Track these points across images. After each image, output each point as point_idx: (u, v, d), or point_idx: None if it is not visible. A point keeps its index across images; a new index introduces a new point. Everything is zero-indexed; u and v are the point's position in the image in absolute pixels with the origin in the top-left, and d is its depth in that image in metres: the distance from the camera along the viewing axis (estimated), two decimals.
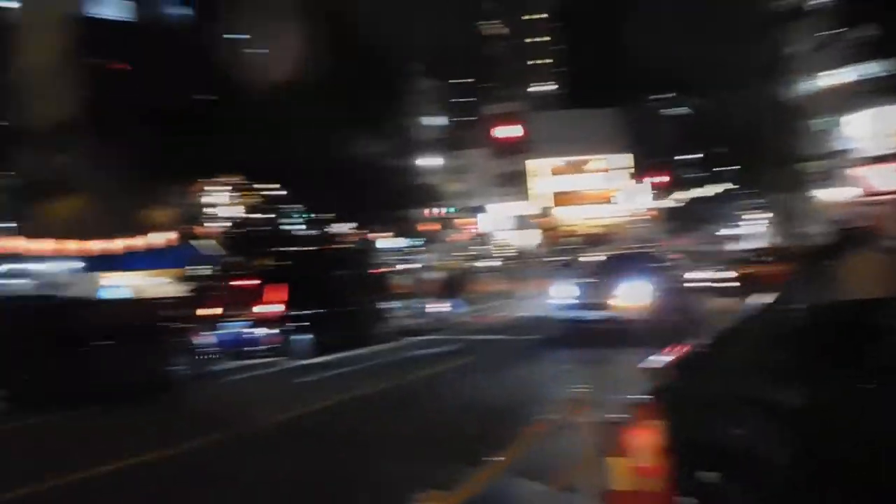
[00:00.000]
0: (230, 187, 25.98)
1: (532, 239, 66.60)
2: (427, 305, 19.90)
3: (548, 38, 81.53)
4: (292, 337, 12.50)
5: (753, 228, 62.94)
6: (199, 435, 6.87)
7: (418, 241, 35.77)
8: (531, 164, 70.64)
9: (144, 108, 26.52)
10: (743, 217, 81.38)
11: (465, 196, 72.51)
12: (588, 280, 13.50)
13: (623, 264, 14.04)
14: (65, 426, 8.08)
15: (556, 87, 74.13)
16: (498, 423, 6.75)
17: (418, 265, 33.27)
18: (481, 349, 13.12)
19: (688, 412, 3.94)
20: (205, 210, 27.66)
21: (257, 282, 13.55)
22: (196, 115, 25.17)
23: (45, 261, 31.84)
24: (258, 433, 7.12)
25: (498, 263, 39.05)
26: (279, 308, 12.44)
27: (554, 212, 72.36)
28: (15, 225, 36.64)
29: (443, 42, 71.36)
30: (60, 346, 8.82)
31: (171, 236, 28.70)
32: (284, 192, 25.85)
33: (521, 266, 33.50)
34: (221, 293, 13.79)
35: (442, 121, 70.51)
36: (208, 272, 23.30)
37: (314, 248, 22.76)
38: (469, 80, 74.26)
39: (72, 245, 30.14)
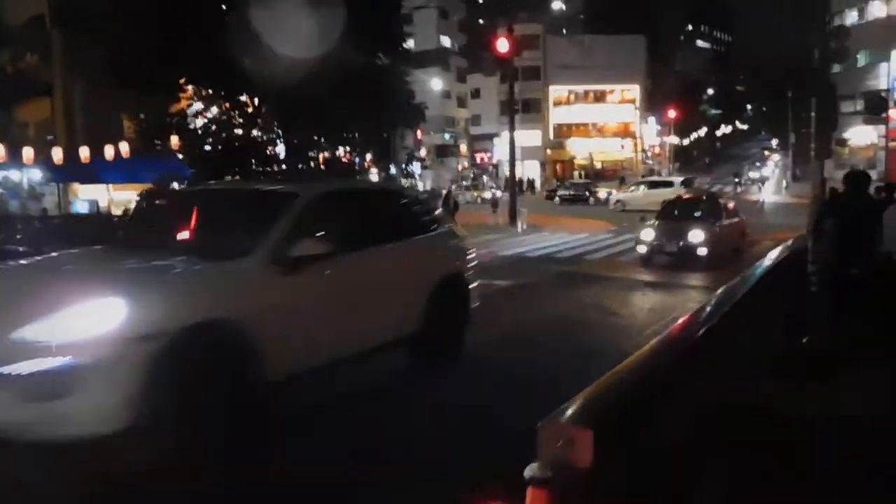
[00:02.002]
0: (203, 97, 23.89)
1: (536, 171, 64.33)
2: None
3: None
4: None
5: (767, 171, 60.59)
6: None
7: (412, 168, 33.71)
8: (545, 92, 67.58)
9: (116, 4, 24.07)
10: (768, 159, 78.35)
11: (472, 123, 70.08)
12: None
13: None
14: None
15: (573, 9, 70.22)
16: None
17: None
18: None
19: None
20: (182, 120, 25.59)
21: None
22: (172, 16, 22.72)
23: (14, 168, 30.22)
24: None
25: (497, 195, 37.03)
26: None
27: (566, 143, 69.78)
28: None
29: None
30: None
31: (144, 147, 26.80)
32: (260, 106, 23.75)
33: (520, 199, 31.48)
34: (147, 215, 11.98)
35: (453, 41, 67.39)
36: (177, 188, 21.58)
37: (272, 168, 20.98)
38: (483, 1, 70.55)
39: (45, 152, 28.25)
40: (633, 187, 40.88)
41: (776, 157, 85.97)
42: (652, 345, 3.43)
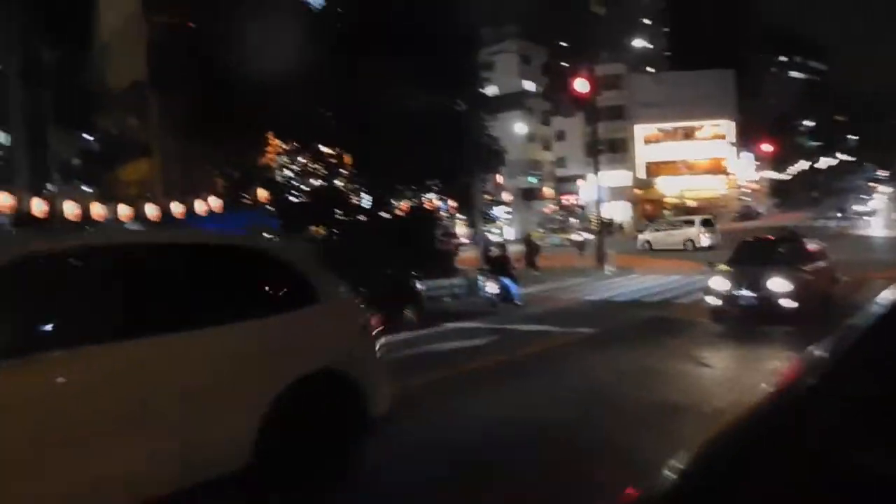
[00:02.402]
0: (287, 150, 24.60)
1: (625, 212, 62.83)
2: (485, 285, 17.78)
3: None
4: None
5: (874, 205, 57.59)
6: None
7: (497, 212, 33.49)
8: (630, 131, 66.44)
9: (207, 67, 25.32)
10: (875, 191, 74.36)
11: (558, 165, 69.48)
12: None
13: None
14: None
15: (657, 47, 69.25)
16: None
17: (494, 238, 31.15)
18: (515, 345, 10.92)
19: None
20: (269, 173, 26.47)
21: None
22: (255, 73, 23.66)
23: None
24: None
25: (584, 237, 36.27)
26: None
27: (655, 182, 68.04)
28: (91, 190, 37.17)
29: (543, 4, 68.10)
30: None
31: (233, 200, 27.80)
32: (342, 155, 24.20)
33: (608, 241, 30.59)
34: None
35: (535, 85, 67.48)
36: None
37: (357, 217, 21.10)
38: (566, 45, 70.50)
39: (144, 209, 29.72)
40: (656, 226, 40.92)
41: (885, 188, 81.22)
42: (749, 405, 2.84)
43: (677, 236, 36.25)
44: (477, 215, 27.33)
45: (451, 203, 28.70)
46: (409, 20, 21.98)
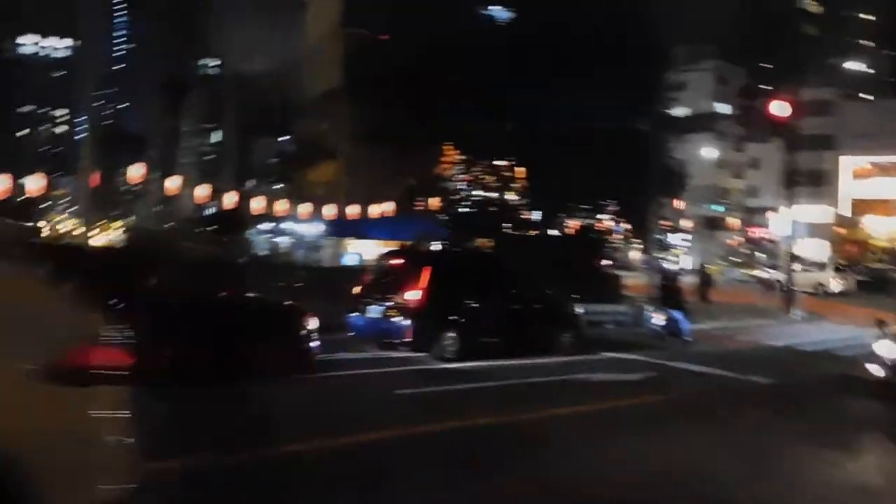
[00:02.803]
0: (462, 160, 24.87)
1: (821, 251, 57.22)
2: (652, 315, 16.60)
3: (871, 17, 69.44)
4: (436, 332, 10.42)
5: None
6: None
7: (674, 239, 31.75)
8: (836, 163, 60.50)
9: (395, 79, 26.26)
10: None
11: (748, 195, 64.86)
12: None
13: None
14: None
15: (878, 72, 62.76)
16: None
17: (669, 266, 29.44)
18: (676, 385, 9.91)
19: None
20: (442, 182, 26.94)
21: (405, 262, 11.79)
22: (439, 85, 24.22)
23: (303, 223, 33.94)
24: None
25: (771, 275, 33.42)
26: (420, 295, 10.46)
27: (862, 221, 61.41)
28: (283, 187, 39.81)
29: (744, 23, 64.35)
30: None
31: (408, 207, 28.51)
32: (515, 168, 24.09)
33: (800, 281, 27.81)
34: (381, 272, 12.15)
35: (730, 108, 63.68)
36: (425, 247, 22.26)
37: (524, 232, 20.68)
38: (769, 66, 65.98)
39: (326, 209, 31.25)
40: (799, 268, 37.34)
41: None
42: None
43: (808, 279, 33.61)
44: (651, 241, 25.91)
45: (626, 226, 27.52)
46: (598, 36, 21.28)
